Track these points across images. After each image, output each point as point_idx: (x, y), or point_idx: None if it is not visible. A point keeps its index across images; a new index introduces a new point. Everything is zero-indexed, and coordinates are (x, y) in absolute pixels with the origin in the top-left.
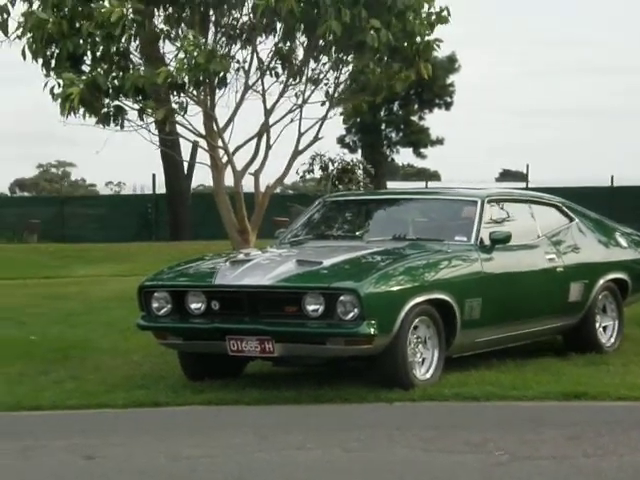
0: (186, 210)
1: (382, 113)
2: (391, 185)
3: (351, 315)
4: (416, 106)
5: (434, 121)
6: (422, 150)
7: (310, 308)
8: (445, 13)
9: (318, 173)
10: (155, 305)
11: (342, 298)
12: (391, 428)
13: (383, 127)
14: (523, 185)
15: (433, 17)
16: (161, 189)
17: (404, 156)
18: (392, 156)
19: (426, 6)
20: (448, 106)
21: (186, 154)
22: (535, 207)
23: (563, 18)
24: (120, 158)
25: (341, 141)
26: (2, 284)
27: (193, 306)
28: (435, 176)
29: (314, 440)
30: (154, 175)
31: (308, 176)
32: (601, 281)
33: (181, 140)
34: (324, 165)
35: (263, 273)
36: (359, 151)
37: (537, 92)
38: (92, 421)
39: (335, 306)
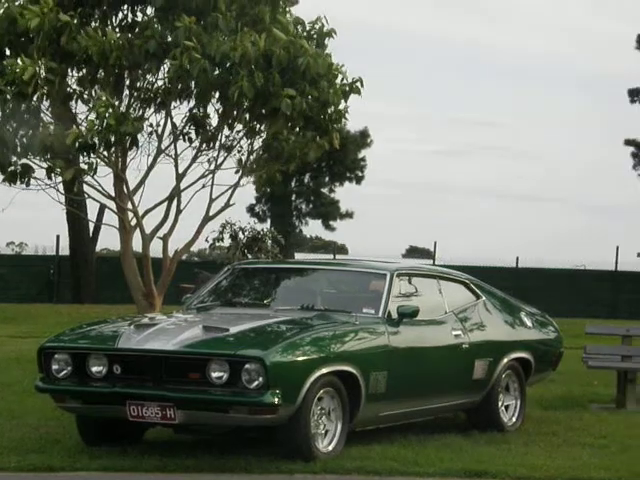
0: (90, 273)
1: (293, 184)
2: (299, 256)
3: (256, 384)
4: (327, 179)
5: (344, 194)
6: (331, 222)
7: (214, 375)
8: (358, 84)
9: (228, 241)
10: (55, 367)
11: (247, 366)
12: None
13: (293, 198)
14: (430, 262)
15: (347, 88)
16: (64, 251)
17: (313, 228)
18: (301, 227)
19: (340, 76)
20: (359, 180)
21: (93, 216)
22: (443, 283)
23: (475, 99)
24: (23, 219)
25: (251, 210)
26: None
27: (94, 369)
28: (343, 249)
29: None
30: (58, 236)
31: (218, 244)
32: (505, 360)
33: (88, 202)
34: (234, 233)
35: (168, 338)
36: (268, 221)
37: (447, 171)
38: None
39: (240, 374)
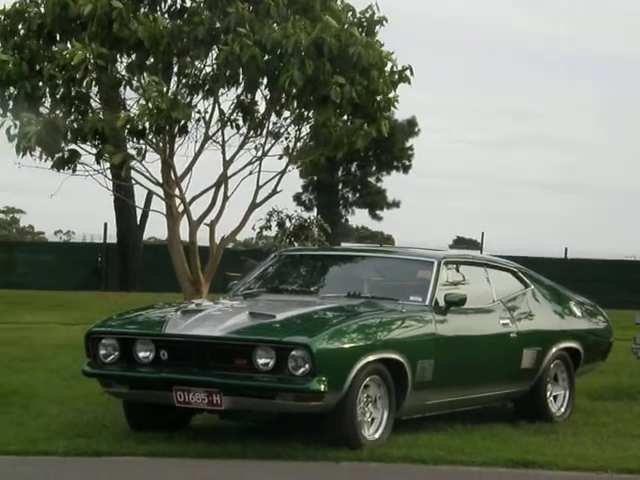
0: (137, 261)
1: (340, 173)
2: (345, 246)
3: (302, 370)
4: (374, 168)
5: (391, 184)
6: (378, 212)
7: (260, 362)
8: (408, 72)
9: (275, 229)
10: (102, 352)
11: (294, 353)
12: None
13: (340, 187)
14: (478, 252)
15: (396, 76)
16: (112, 239)
17: (359, 217)
18: (347, 216)
19: (389, 64)
20: (406, 169)
21: (140, 203)
22: (491, 271)
23: (522, 89)
24: (71, 207)
25: (297, 199)
26: None
27: (141, 355)
28: (389, 240)
29: None
30: (105, 224)
31: (265, 232)
32: (554, 349)
33: (136, 189)
34: (281, 221)
35: (214, 324)
36: (315, 209)
37: (494, 162)
38: (32, 468)
39: (286, 361)
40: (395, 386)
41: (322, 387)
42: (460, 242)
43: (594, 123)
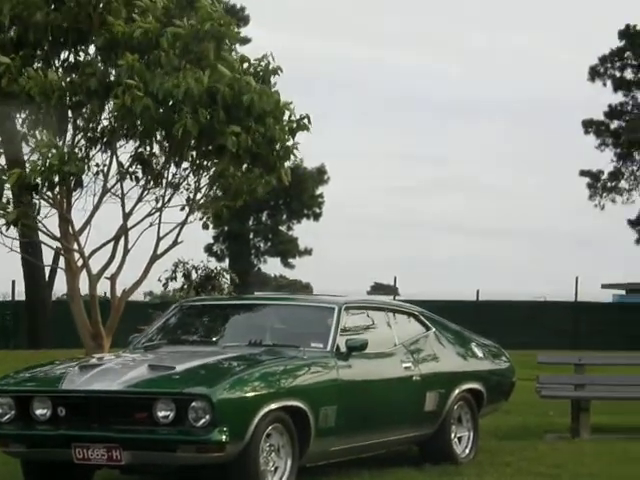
0: (46, 318)
1: (250, 222)
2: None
3: (203, 421)
4: (284, 216)
5: (302, 232)
6: (290, 260)
7: (160, 414)
8: (306, 121)
9: (181, 280)
10: None
11: (194, 404)
12: None
13: (251, 236)
14: (393, 297)
15: (294, 125)
16: (22, 296)
17: (272, 266)
18: (259, 265)
19: (287, 113)
20: (317, 217)
21: (49, 258)
22: (392, 315)
23: (425, 136)
24: None
25: (209, 249)
26: None
27: (38, 412)
28: (307, 288)
29: None
30: (13, 281)
31: (170, 283)
32: (457, 391)
33: (43, 246)
34: (187, 272)
35: (113, 378)
36: (226, 260)
37: (402, 206)
38: None
39: (186, 412)
40: (298, 434)
41: (224, 437)
42: (378, 288)
43: (508, 166)
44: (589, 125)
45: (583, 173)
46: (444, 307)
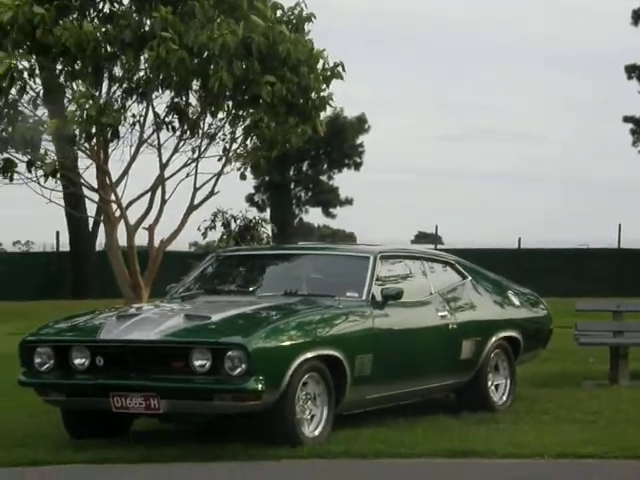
0: (89, 268)
1: (291, 172)
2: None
3: (239, 371)
4: (325, 166)
5: (343, 181)
6: (331, 210)
7: (197, 364)
8: (340, 69)
9: (220, 230)
10: (37, 360)
11: (230, 353)
12: None
13: (292, 186)
14: (438, 246)
15: (328, 73)
16: (66, 247)
17: (313, 216)
18: (301, 215)
19: (321, 62)
20: (357, 166)
21: (92, 210)
22: (429, 264)
23: (470, 84)
24: (28, 216)
25: (250, 199)
26: None
27: (77, 362)
28: (351, 237)
29: None
30: (57, 232)
31: (210, 233)
32: (493, 339)
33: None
34: (226, 222)
35: (150, 327)
36: (268, 210)
37: (445, 155)
38: None
39: (223, 361)
40: (334, 382)
41: (259, 386)
42: (422, 237)
43: (546, 113)
44: (632, 70)
45: (627, 119)
46: (486, 255)
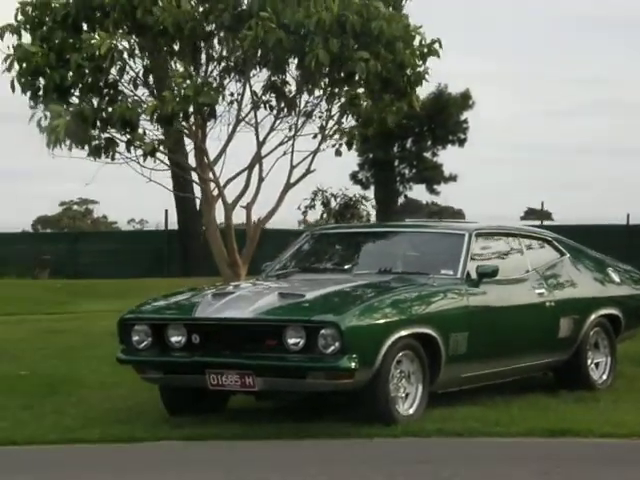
0: (198, 246)
1: (395, 149)
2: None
3: (332, 349)
4: (429, 142)
5: (449, 157)
6: (435, 187)
7: (291, 341)
8: (437, 45)
9: (320, 208)
10: (135, 338)
11: (323, 331)
12: (364, 464)
13: (396, 163)
14: (548, 222)
15: (425, 49)
16: (175, 225)
17: (417, 193)
18: (405, 192)
19: (418, 38)
20: (462, 142)
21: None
22: (525, 241)
23: (579, 56)
24: (142, 194)
25: (354, 177)
26: (4, 320)
27: (173, 339)
28: (459, 214)
29: (279, 476)
30: (166, 211)
31: (310, 211)
32: (592, 317)
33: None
34: (326, 200)
35: (244, 306)
36: (372, 187)
37: (551, 130)
38: (65, 456)
39: (316, 339)
40: (429, 360)
41: (353, 364)
42: (531, 213)
43: None
44: None
45: None
46: (595, 231)
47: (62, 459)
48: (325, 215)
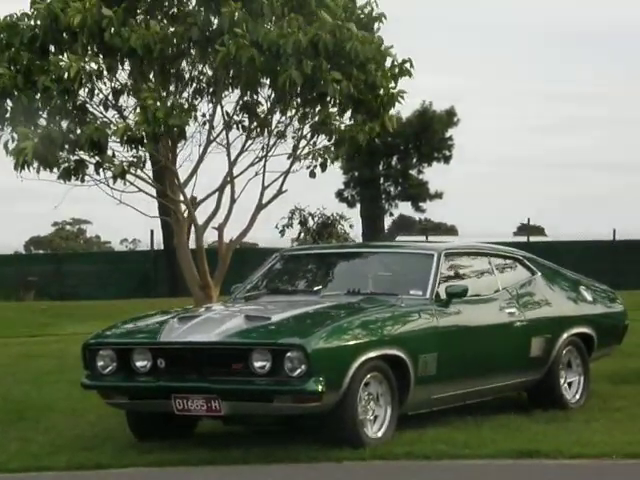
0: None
1: (380, 167)
2: (402, 239)
3: (298, 372)
4: (414, 160)
5: (434, 175)
6: (421, 204)
7: (257, 365)
8: (408, 65)
9: (297, 228)
10: (100, 363)
11: (289, 354)
12: None
13: (382, 181)
14: (542, 238)
15: (396, 70)
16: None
17: (403, 210)
18: (390, 210)
19: (389, 59)
20: (447, 159)
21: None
22: (496, 260)
23: (555, 72)
24: (134, 214)
25: (340, 195)
26: None
27: (138, 364)
28: (452, 230)
29: None
30: (152, 231)
31: (287, 231)
32: (565, 336)
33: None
34: (304, 219)
35: (210, 329)
36: (357, 205)
37: (536, 145)
38: None
39: (282, 363)
40: (398, 382)
41: (319, 387)
42: (524, 229)
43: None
44: None
45: None
46: (581, 247)
47: None
48: (302, 234)
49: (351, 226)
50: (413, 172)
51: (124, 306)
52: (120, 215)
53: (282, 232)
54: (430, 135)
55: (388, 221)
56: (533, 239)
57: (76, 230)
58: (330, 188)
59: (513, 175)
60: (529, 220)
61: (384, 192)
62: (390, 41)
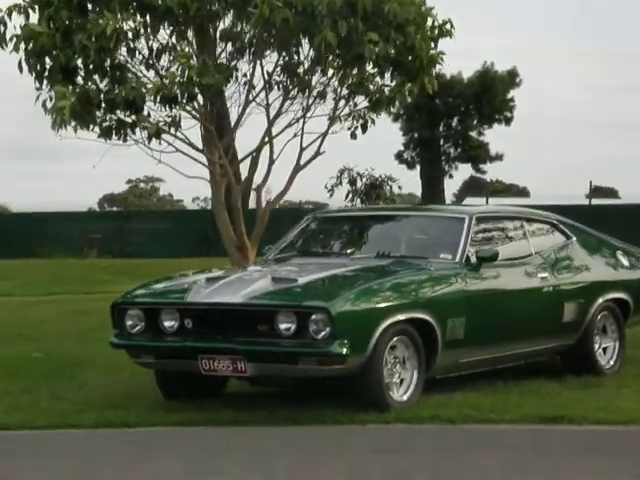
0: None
1: (440, 128)
2: (471, 201)
3: (323, 334)
4: (475, 121)
5: (494, 136)
6: (481, 166)
7: (282, 327)
8: (448, 26)
9: (346, 187)
10: (129, 323)
11: (314, 317)
12: (351, 451)
13: (442, 142)
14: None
15: (436, 31)
16: None
17: (463, 172)
18: (450, 172)
19: (430, 20)
20: (508, 121)
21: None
22: (529, 225)
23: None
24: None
25: (399, 157)
26: (40, 300)
27: (166, 324)
28: (524, 192)
29: (242, 463)
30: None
31: (336, 190)
32: (600, 300)
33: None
34: (352, 179)
35: (236, 291)
36: (417, 167)
37: (603, 106)
38: (55, 442)
39: (307, 325)
40: (425, 346)
41: (344, 350)
42: (597, 191)
43: None
44: None
45: None
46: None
47: (52, 445)
48: (351, 195)
49: (400, 187)
50: (473, 133)
51: (183, 265)
52: (192, 172)
53: (331, 192)
54: (491, 96)
55: (448, 183)
56: (606, 201)
57: (149, 188)
58: (389, 148)
59: (576, 136)
60: (591, 183)
61: (444, 154)
62: (443, 2)
